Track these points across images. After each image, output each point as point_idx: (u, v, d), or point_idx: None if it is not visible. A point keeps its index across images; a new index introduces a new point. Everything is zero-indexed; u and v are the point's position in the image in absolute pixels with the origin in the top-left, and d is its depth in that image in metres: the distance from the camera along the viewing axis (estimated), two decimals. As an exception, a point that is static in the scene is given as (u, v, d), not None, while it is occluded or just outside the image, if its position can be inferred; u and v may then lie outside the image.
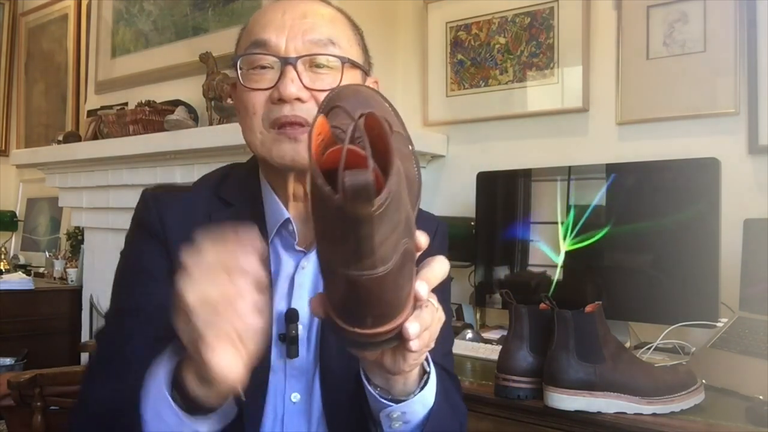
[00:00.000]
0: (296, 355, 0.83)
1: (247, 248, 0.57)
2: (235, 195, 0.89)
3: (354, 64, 0.86)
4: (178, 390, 0.63)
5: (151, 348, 0.69)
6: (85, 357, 2.73)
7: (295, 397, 0.85)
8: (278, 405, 0.84)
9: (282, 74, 0.82)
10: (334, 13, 0.88)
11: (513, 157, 2.04)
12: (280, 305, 0.86)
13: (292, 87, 0.81)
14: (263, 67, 0.84)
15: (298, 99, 0.82)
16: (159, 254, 0.84)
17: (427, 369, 0.71)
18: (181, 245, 0.82)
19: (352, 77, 0.86)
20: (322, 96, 0.82)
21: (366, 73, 0.91)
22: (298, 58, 0.82)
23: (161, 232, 0.85)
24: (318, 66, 0.84)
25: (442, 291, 0.95)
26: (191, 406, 0.63)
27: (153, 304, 0.80)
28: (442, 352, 0.77)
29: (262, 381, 0.83)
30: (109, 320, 0.87)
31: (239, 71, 0.85)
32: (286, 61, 0.82)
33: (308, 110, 0.82)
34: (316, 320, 0.86)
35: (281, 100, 0.82)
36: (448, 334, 0.95)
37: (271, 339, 0.83)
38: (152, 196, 0.89)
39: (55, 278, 3.35)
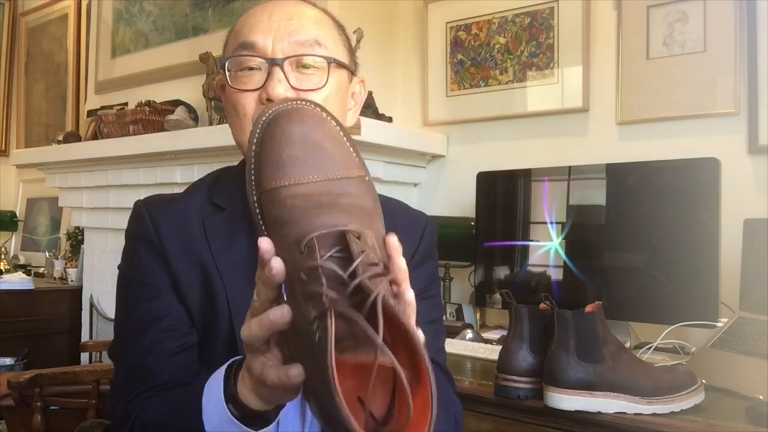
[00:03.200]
0: None
1: None
2: (227, 198, 0.89)
3: (340, 64, 0.87)
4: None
5: (168, 360, 0.80)
6: (85, 357, 2.73)
7: None
8: None
9: (269, 75, 0.83)
10: (319, 15, 0.89)
11: (513, 157, 2.04)
12: None
13: (279, 87, 0.82)
14: (251, 69, 0.85)
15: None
16: (158, 265, 0.85)
17: None
18: (178, 253, 0.85)
19: (338, 77, 0.88)
20: (308, 96, 0.82)
21: (352, 72, 0.92)
22: (285, 59, 0.83)
23: (157, 241, 0.85)
24: (305, 66, 0.85)
25: (431, 287, 0.95)
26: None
27: (161, 316, 0.83)
28: (435, 348, 0.76)
29: None
30: (122, 336, 0.88)
31: (227, 73, 0.86)
32: (273, 62, 0.83)
33: None
34: None
35: (269, 101, 0.82)
36: (441, 330, 0.96)
37: None
38: (145, 207, 0.89)
39: (55, 278, 3.35)
